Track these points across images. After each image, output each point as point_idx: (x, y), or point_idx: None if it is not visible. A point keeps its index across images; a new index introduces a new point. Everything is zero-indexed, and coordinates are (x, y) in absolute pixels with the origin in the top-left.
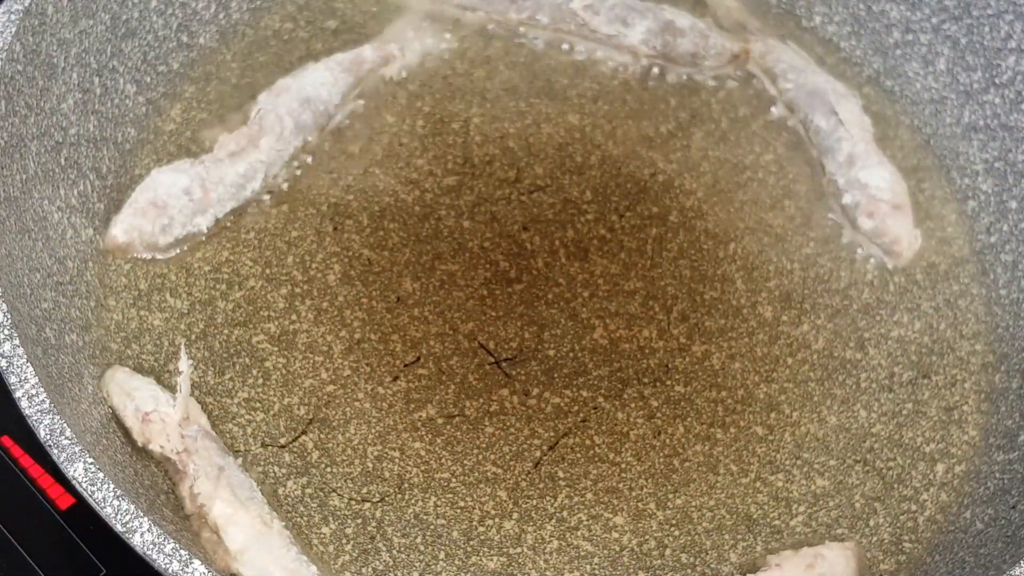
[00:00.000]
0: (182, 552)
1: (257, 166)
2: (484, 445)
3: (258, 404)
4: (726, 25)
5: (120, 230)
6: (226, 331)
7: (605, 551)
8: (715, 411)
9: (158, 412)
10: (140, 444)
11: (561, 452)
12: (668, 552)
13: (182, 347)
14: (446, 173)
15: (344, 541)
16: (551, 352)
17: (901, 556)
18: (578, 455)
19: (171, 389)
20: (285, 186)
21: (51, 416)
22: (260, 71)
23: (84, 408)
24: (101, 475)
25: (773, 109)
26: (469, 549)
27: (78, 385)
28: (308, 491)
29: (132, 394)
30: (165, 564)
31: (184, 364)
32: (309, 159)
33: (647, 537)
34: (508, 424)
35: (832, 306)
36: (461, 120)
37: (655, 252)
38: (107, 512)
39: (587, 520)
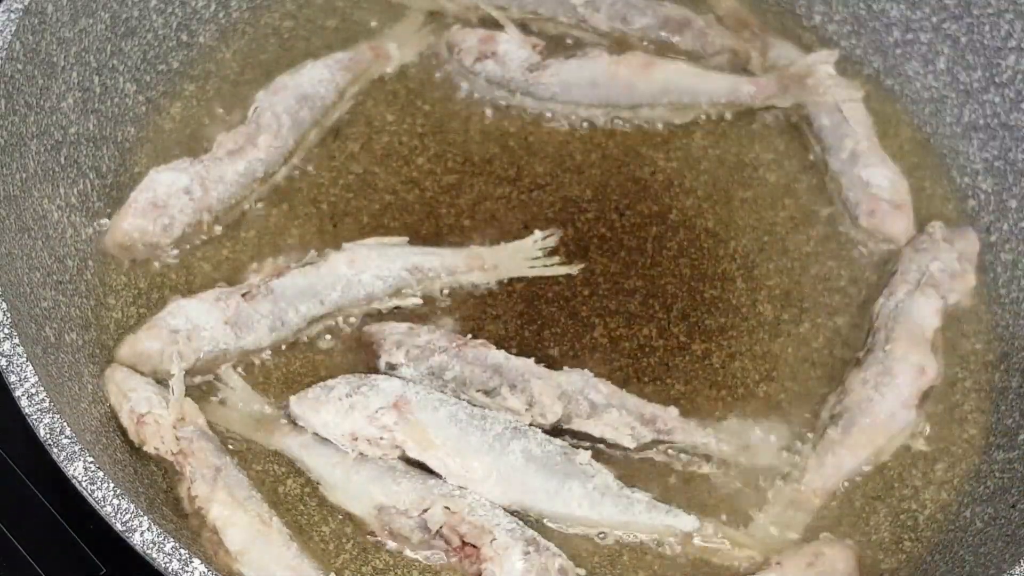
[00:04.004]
0: (182, 551)
1: (256, 164)
2: None
3: None
4: (726, 23)
5: (121, 230)
6: None
7: (606, 549)
8: (715, 410)
9: (152, 414)
10: (136, 444)
11: None
12: (667, 551)
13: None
14: (446, 172)
15: (344, 539)
16: (551, 351)
17: (901, 555)
18: None
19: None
20: (285, 185)
21: (51, 415)
22: (260, 69)
23: (84, 407)
24: (101, 474)
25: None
26: None
27: (78, 384)
28: (307, 489)
29: (128, 395)
30: (165, 563)
31: (176, 367)
32: (310, 158)
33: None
34: None
35: (832, 304)
36: (461, 118)
37: (655, 251)
38: (107, 511)
39: None
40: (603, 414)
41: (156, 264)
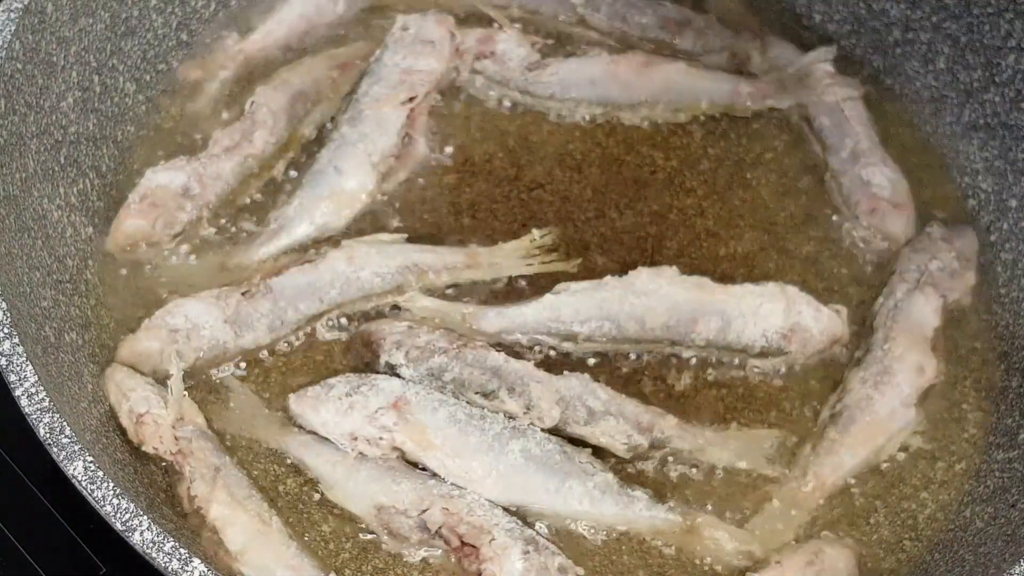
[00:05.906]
0: (181, 550)
1: (251, 160)
2: None
3: None
4: (726, 23)
5: (121, 231)
6: None
7: (605, 548)
8: (715, 409)
9: (151, 414)
10: (136, 444)
11: None
12: (667, 550)
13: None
14: (446, 171)
15: (344, 539)
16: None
17: (901, 554)
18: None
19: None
20: (283, 182)
21: (51, 415)
22: (260, 68)
23: (83, 407)
24: (100, 474)
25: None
26: None
27: (77, 384)
28: (307, 489)
29: (128, 395)
30: (164, 562)
31: (175, 366)
32: (307, 155)
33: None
34: None
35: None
36: (461, 118)
37: (655, 250)
38: (107, 511)
39: None
40: (600, 421)
41: (156, 263)
